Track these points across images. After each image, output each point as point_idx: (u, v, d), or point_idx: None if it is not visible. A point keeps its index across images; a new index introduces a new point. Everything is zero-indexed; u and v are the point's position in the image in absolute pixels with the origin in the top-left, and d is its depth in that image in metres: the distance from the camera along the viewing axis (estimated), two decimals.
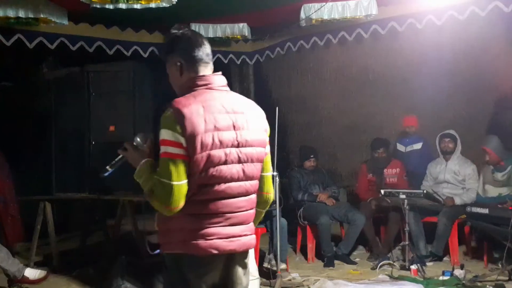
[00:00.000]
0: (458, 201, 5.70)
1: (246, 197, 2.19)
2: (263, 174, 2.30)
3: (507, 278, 4.79)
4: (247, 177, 2.18)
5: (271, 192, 2.37)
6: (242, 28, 6.00)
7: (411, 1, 5.54)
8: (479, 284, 4.70)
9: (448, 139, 5.92)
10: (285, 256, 5.52)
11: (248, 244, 2.21)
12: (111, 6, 4.53)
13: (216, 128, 2.09)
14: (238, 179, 2.15)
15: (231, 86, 2.92)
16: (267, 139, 2.31)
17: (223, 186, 2.12)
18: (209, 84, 2.19)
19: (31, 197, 6.16)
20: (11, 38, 5.30)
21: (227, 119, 2.14)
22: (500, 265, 5.05)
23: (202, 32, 5.98)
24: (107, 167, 2.46)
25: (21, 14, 4.77)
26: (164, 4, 4.54)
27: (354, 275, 5.29)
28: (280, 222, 5.02)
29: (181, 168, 2.03)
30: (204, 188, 2.09)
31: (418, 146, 6.55)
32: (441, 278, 4.91)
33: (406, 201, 5.41)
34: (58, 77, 6.44)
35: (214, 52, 7.78)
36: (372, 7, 5.28)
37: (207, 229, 2.10)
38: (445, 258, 5.75)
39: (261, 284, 4.64)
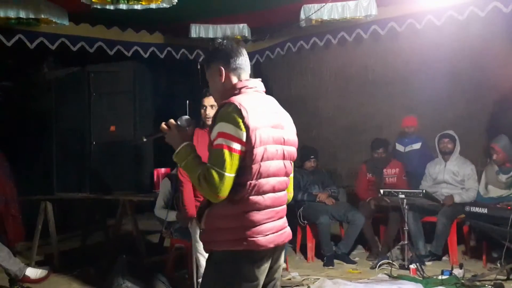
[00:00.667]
0: (457, 198, 5.71)
1: (285, 192, 2.41)
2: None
3: (505, 277, 4.80)
4: (286, 173, 2.39)
5: (291, 192, 2.54)
6: (242, 29, 6.01)
7: (411, 2, 5.55)
8: (478, 283, 4.71)
9: (447, 139, 5.93)
10: (285, 256, 5.52)
11: (289, 235, 2.43)
12: (111, 7, 4.55)
13: (270, 125, 2.28)
14: (283, 175, 2.35)
15: None
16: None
17: (273, 181, 2.29)
18: (256, 87, 2.39)
19: (32, 197, 6.18)
20: (12, 38, 5.31)
21: (276, 118, 2.35)
22: (499, 265, 5.07)
23: (202, 32, 6.00)
24: (143, 136, 2.49)
25: (22, 14, 4.78)
26: (165, 5, 4.56)
27: (353, 275, 5.31)
28: None
29: (235, 162, 2.16)
30: (258, 182, 2.22)
31: (417, 146, 6.57)
32: (440, 277, 4.91)
33: (405, 200, 5.42)
34: (58, 77, 6.48)
35: None
36: (371, 8, 5.30)
37: (264, 225, 2.25)
38: (444, 258, 5.76)
39: None
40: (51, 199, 5.97)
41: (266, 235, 2.25)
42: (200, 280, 3.82)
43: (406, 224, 5.42)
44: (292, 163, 2.46)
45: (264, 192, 2.25)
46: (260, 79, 2.45)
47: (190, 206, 3.86)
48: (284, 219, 2.40)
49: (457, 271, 5.02)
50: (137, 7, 4.59)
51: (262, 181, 2.24)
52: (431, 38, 6.61)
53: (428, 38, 6.61)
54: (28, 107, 7.95)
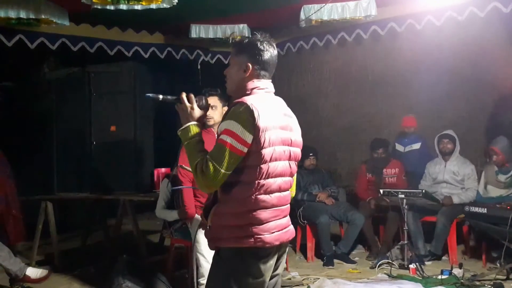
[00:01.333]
0: (456, 200, 5.72)
1: (289, 192, 2.46)
2: None
3: (505, 277, 4.81)
4: (291, 174, 2.44)
5: (294, 190, 2.59)
6: (242, 29, 6.01)
7: (410, 2, 5.56)
8: (477, 283, 4.72)
9: (447, 140, 5.93)
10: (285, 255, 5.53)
11: (293, 233, 2.48)
12: (112, 7, 4.56)
13: (279, 127, 2.33)
14: (288, 175, 2.40)
15: None
16: None
17: (279, 181, 2.34)
18: (267, 88, 2.42)
19: (32, 196, 6.18)
20: (12, 38, 5.32)
21: (285, 120, 2.40)
22: (498, 264, 5.09)
23: (202, 33, 6.01)
24: (159, 95, 2.46)
25: (22, 14, 4.79)
26: (165, 5, 4.57)
27: (353, 274, 5.32)
28: None
29: (234, 161, 2.20)
30: (266, 182, 2.27)
31: (417, 146, 6.58)
32: (439, 277, 4.92)
33: (405, 200, 5.43)
34: (59, 77, 6.48)
35: (214, 53, 7.81)
36: (371, 8, 5.30)
37: (270, 223, 2.30)
38: (443, 257, 5.77)
39: None
40: (52, 199, 5.97)
41: (272, 232, 2.30)
42: (200, 280, 3.83)
43: (405, 224, 5.43)
44: (296, 164, 2.49)
45: (271, 192, 2.30)
46: (275, 80, 2.47)
47: (190, 206, 3.87)
48: (288, 218, 2.47)
49: (456, 271, 5.03)
50: (138, 7, 4.60)
51: (270, 180, 2.29)
52: (431, 38, 6.62)
53: (428, 39, 6.62)
54: (29, 107, 7.95)
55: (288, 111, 2.48)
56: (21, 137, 7.66)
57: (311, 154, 6.21)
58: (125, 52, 6.14)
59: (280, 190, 2.35)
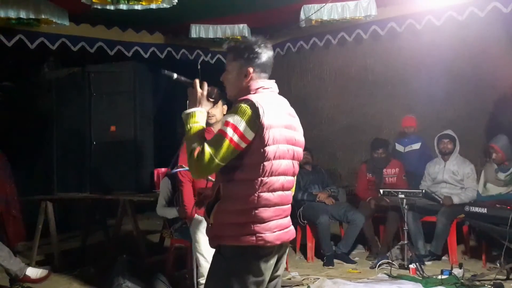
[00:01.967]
0: (456, 200, 5.73)
1: (291, 192, 2.47)
2: None
3: (505, 277, 4.81)
4: (294, 173, 2.45)
5: (293, 190, 2.57)
6: (242, 29, 6.02)
7: (410, 2, 5.56)
8: (477, 283, 4.71)
9: (447, 140, 5.93)
10: None
11: (293, 233, 2.48)
12: (112, 7, 4.56)
13: (283, 125, 2.34)
14: (291, 174, 2.41)
15: None
16: None
17: (282, 179, 2.34)
18: (272, 88, 2.44)
19: (32, 197, 6.19)
20: (12, 38, 5.33)
21: (289, 119, 2.42)
22: (498, 264, 5.08)
23: (202, 33, 6.01)
24: (174, 73, 2.51)
25: (22, 14, 4.80)
26: (165, 5, 4.57)
27: (353, 274, 5.31)
28: None
29: (230, 154, 2.22)
30: (269, 180, 2.28)
31: (417, 146, 6.58)
32: (439, 277, 4.92)
33: (405, 200, 5.43)
34: (59, 77, 6.48)
35: (214, 53, 7.80)
36: (371, 8, 5.31)
37: (272, 222, 2.31)
38: (443, 257, 5.77)
39: None
40: (52, 199, 5.97)
41: (274, 231, 2.31)
42: (200, 280, 3.83)
43: (405, 224, 5.42)
44: (298, 164, 2.50)
45: (274, 190, 2.31)
46: (274, 80, 2.49)
47: (190, 206, 3.87)
48: (289, 218, 2.47)
49: (456, 271, 5.03)
50: (138, 7, 4.60)
51: (273, 178, 2.30)
52: (431, 38, 6.63)
53: (427, 38, 6.63)
54: (29, 107, 7.96)
55: (292, 111, 2.50)
56: (21, 137, 7.66)
57: (304, 151, 6.19)
58: (125, 52, 6.15)
59: (283, 188, 2.36)
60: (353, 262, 5.80)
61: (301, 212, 5.98)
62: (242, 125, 2.20)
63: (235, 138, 2.20)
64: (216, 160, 2.19)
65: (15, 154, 6.96)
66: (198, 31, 6.01)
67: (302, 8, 5.39)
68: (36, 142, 7.60)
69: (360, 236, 6.04)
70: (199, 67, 6.92)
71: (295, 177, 2.51)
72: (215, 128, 3.65)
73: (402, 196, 5.45)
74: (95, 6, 4.52)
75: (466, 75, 6.75)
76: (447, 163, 5.94)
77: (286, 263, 5.44)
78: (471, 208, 5.30)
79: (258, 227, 2.27)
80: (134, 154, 5.86)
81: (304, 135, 2.55)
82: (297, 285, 4.96)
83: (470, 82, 6.78)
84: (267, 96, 2.37)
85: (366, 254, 6.13)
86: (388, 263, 5.44)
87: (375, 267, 5.40)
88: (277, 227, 2.33)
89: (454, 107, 6.99)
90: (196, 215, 3.83)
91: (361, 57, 7.82)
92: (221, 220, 2.32)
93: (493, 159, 5.70)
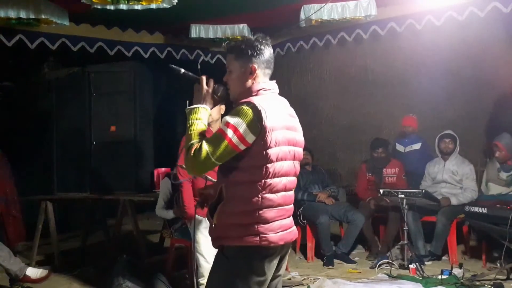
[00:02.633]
0: (454, 201, 5.72)
1: (293, 192, 2.48)
2: None
3: (505, 277, 4.82)
4: (295, 173, 2.47)
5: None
6: (242, 29, 6.02)
7: (410, 2, 5.56)
8: (477, 283, 4.71)
9: (448, 139, 5.93)
10: None
11: (296, 233, 2.49)
12: (112, 7, 4.56)
13: (285, 127, 2.36)
14: (293, 174, 2.43)
15: None
16: None
17: (285, 180, 2.36)
18: (273, 89, 2.44)
19: (32, 197, 6.19)
20: (12, 38, 5.32)
21: (290, 120, 2.44)
22: (498, 264, 5.08)
23: (202, 33, 6.01)
24: (181, 68, 2.52)
25: (22, 14, 4.79)
26: (165, 5, 4.57)
27: (353, 274, 5.32)
28: None
29: (227, 154, 2.23)
30: (272, 181, 2.29)
31: (417, 146, 6.57)
32: (439, 277, 4.92)
33: (405, 200, 5.43)
34: (59, 77, 6.48)
35: (214, 53, 7.80)
36: (371, 8, 5.30)
37: (275, 222, 2.33)
38: (443, 257, 5.77)
39: None
40: (52, 199, 5.97)
41: (277, 232, 2.32)
42: (200, 280, 3.83)
43: (405, 224, 5.43)
44: (299, 164, 2.52)
45: (277, 191, 2.33)
46: (275, 81, 2.49)
47: (189, 206, 3.87)
48: (291, 218, 2.48)
49: (456, 271, 5.03)
50: (137, 7, 4.60)
51: (276, 180, 2.31)
52: (431, 38, 6.63)
53: (427, 39, 6.63)
54: (29, 107, 7.96)
55: (292, 111, 2.51)
56: (21, 137, 7.67)
57: (304, 151, 6.19)
58: (125, 52, 6.14)
59: (285, 189, 2.38)
60: (353, 262, 5.80)
61: (301, 212, 5.98)
62: (242, 127, 2.21)
63: (234, 139, 2.21)
64: (212, 159, 2.21)
65: (15, 154, 6.96)
66: (198, 31, 6.01)
67: (302, 8, 5.39)
68: (36, 142, 7.60)
69: (360, 236, 6.04)
70: (199, 67, 6.91)
71: (296, 177, 2.51)
72: (212, 127, 3.64)
73: (402, 196, 5.45)
74: (95, 6, 4.52)
75: (466, 75, 6.75)
76: (446, 163, 5.94)
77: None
78: (471, 208, 5.30)
79: (262, 227, 2.28)
80: (134, 154, 5.85)
81: (304, 135, 2.55)
82: (297, 285, 4.96)
83: (470, 82, 6.78)
84: (269, 98, 2.37)
85: (366, 254, 6.13)
86: (388, 263, 5.44)
87: (375, 267, 5.40)
88: (281, 227, 2.35)
89: (454, 107, 6.99)
90: (196, 215, 3.83)
91: (361, 57, 7.82)
92: (224, 221, 2.32)
93: (496, 157, 5.70)
